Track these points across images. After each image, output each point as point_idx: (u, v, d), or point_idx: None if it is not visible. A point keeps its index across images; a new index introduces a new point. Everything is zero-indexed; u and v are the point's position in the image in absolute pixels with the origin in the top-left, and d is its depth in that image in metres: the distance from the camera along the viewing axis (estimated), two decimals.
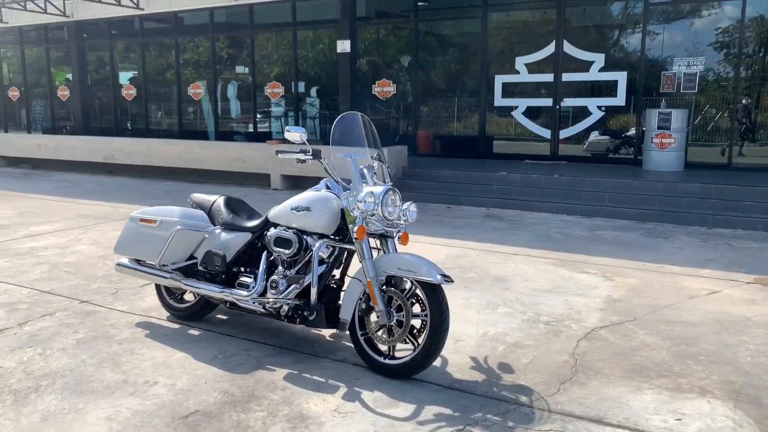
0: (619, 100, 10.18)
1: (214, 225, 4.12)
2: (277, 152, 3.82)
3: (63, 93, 16.57)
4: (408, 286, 3.51)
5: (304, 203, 3.75)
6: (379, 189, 3.54)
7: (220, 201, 4.22)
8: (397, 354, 3.48)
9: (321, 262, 3.69)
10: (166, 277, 4.09)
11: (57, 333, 4.07)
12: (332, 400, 3.17)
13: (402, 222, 3.68)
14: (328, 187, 3.86)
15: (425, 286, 3.35)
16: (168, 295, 4.37)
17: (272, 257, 3.87)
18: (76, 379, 3.39)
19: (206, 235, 4.07)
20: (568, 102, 10.63)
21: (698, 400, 3.19)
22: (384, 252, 3.67)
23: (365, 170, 3.82)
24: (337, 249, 3.70)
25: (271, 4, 12.95)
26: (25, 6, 14.70)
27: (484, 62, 11.20)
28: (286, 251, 3.72)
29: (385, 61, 12.56)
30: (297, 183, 11.00)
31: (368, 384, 3.36)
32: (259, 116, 13.74)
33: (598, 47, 10.37)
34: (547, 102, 10.75)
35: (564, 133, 10.76)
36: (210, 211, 4.19)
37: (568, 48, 10.41)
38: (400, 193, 3.67)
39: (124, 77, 15.69)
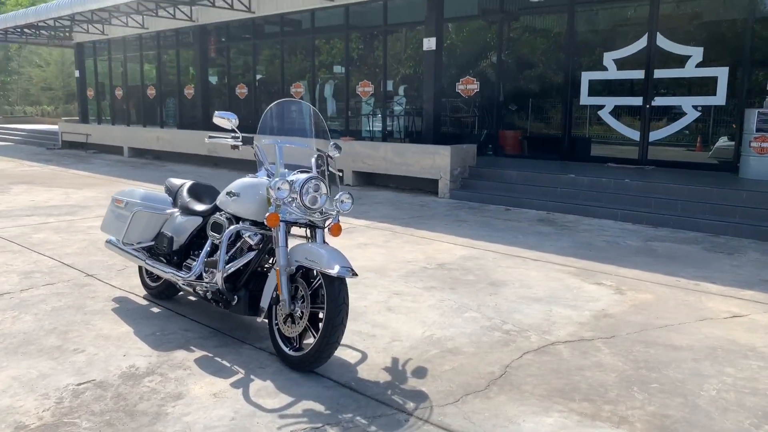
0: (719, 98, 9.07)
1: (176, 208, 4.29)
2: (209, 137, 3.88)
3: (189, 92, 18.08)
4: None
5: (236, 189, 3.79)
6: (301, 177, 3.49)
7: (185, 186, 4.39)
8: (303, 346, 3.41)
9: (250, 248, 3.71)
10: (133, 255, 4.34)
11: (43, 300, 4.48)
12: (220, 384, 3.19)
13: (332, 212, 3.60)
14: (270, 175, 3.85)
15: (325, 277, 3.24)
16: (146, 274, 4.62)
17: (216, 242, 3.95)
18: (21, 341, 3.71)
19: (166, 218, 4.25)
20: (660, 101, 9.66)
21: (606, 430, 2.78)
22: (310, 242, 3.61)
23: (314, 160, 3.79)
24: (266, 236, 3.69)
25: (365, 4, 13.16)
26: (156, 12, 16.27)
27: (570, 58, 10.53)
28: (218, 236, 3.78)
29: (469, 58, 12.25)
30: (370, 180, 11.09)
31: (267, 373, 3.33)
32: (350, 114, 14.04)
33: (696, 40, 9.31)
34: (637, 101, 9.86)
35: (654, 135, 9.80)
36: (175, 195, 4.37)
37: (662, 42, 9.47)
38: (326, 183, 3.58)
39: (237, 77, 16.79)
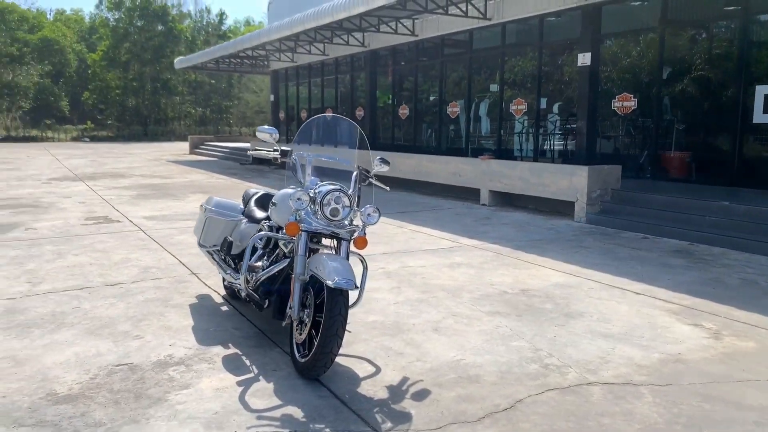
0: None
1: (243, 216, 4.64)
2: (250, 150, 4.13)
3: (359, 113, 19.15)
4: None
5: (276, 199, 4.01)
6: (324, 188, 3.60)
7: (255, 195, 4.72)
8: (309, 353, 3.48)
9: (284, 256, 3.89)
10: (209, 256, 4.78)
11: (142, 292, 5.11)
12: (228, 381, 3.39)
13: (357, 225, 3.65)
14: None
15: (327, 288, 3.29)
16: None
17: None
18: (102, 325, 4.28)
19: (234, 224, 4.62)
20: None
21: None
22: (335, 253, 3.69)
23: (354, 174, 3.90)
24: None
25: (521, 21, 12.91)
26: (332, 40, 17.56)
27: (742, 71, 9.26)
28: (261, 243, 4.03)
29: (626, 74, 11.34)
30: (508, 200, 10.79)
31: (275, 376, 3.46)
32: (503, 133, 13.79)
33: None
34: None
35: None
36: (246, 204, 4.72)
37: None
38: (350, 195, 3.64)
39: (400, 98, 17.40)
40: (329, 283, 3.24)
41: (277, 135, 3.95)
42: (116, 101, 49.01)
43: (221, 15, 60.31)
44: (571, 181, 9.11)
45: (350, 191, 3.76)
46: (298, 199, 3.54)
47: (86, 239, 7.33)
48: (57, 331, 4.11)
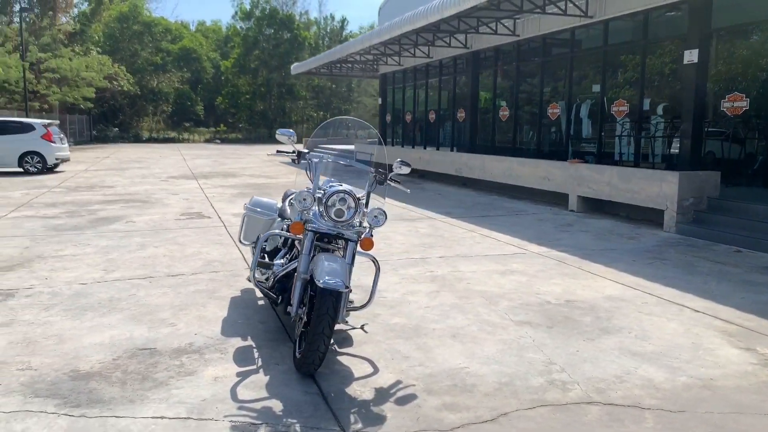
0: None
1: (277, 215, 4.82)
2: (277, 152, 4.27)
3: (461, 115, 19.01)
4: None
5: (293, 199, 4.12)
6: (331, 190, 3.68)
7: (292, 195, 4.88)
8: None
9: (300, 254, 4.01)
10: (252, 251, 5.02)
11: (196, 283, 5.47)
12: (230, 371, 3.56)
13: (364, 227, 3.70)
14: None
15: (318, 287, 3.35)
16: None
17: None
18: (146, 311, 4.65)
19: (270, 223, 4.81)
20: None
21: None
22: (342, 254, 3.76)
23: (372, 176, 3.96)
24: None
25: (624, 18, 12.20)
26: (433, 42, 17.59)
27: None
28: (267, 242, 4.17)
29: (738, 73, 10.33)
30: (599, 206, 10.24)
31: (275, 370, 3.58)
32: (603, 135, 13.08)
33: None
34: None
35: None
36: (283, 203, 4.90)
37: None
38: (355, 197, 3.69)
39: (501, 99, 17.06)
40: (319, 282, 3.31)
41: (295, 137, 4.07)
42: (246, 105, 52.28)
43: (343, 21, 62.23)
44: (660, 188, 8.48)
45: (362, 193, 3.81)
46: (304, 199, 3.64)
47: (172, 233, 7.94)
48: (106, 315, 4.53)
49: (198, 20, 74.27)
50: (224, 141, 49.53)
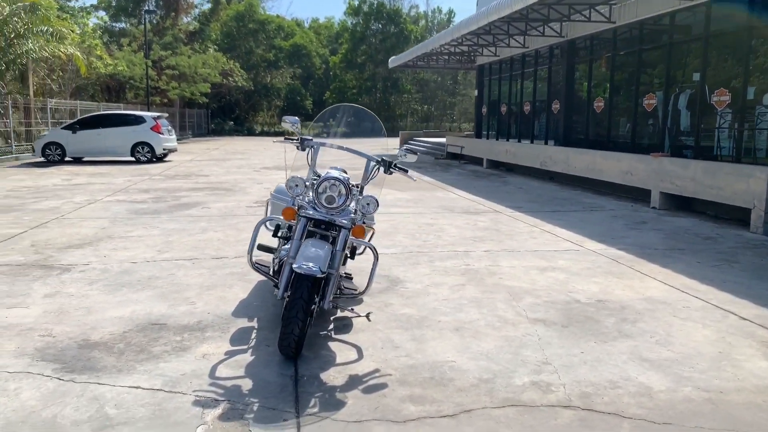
0: None
1: None
2: (285, 139, 4.33)
3: (555, 106, 18.28)
4: None
5: (287, 183, 4.18)
6: (323, 176, 3.71)
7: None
8: None
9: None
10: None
11: (235, 266, 5.70)
12: (221, 350, 3.68)
13: (356, 216, 3.71)
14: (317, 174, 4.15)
15: (295, 273, 3.39)
16: None
17: None
18: (175, 290, 4.91)
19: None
20: None
21: None
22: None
23: (372, 164, 3.96)
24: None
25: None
26: (526, 30, 17.05)
27: None
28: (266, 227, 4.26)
29: None
30: (684, 204, 9.49)
31: (263, 353, 3.66)
32: (702, 127, 12.07)
33: None
34: None
35: None
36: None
37: None
38: (348, 184, 3.69)
39: (596, 89, 16.20)
40: (294, 266, 3.34)
41: (299, 125, 4.12)
42: (352, 100, 53.42)
43: (450, 13, 61.68)
44: (747, 185, 7.71)
45: (358, 181, 3.80)
46: (296, 185, 3.69)
47: (236, 219, 8.32)
48: (138, 292, 4.84)
49: (312, 17, 76.77)
50: None
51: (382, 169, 4.06)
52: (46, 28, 18.47)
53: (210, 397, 3.04)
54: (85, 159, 18.60)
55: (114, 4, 41.51)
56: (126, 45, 33.12)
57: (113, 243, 6.68)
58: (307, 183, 3.76)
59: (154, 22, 38.58)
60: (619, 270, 5.72)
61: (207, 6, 47.65)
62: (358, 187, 4.02)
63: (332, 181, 3.68)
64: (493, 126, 24.02)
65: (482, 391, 3.17)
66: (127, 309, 4.41)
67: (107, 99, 32.05)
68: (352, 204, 3.76)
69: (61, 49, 19.16)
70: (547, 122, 18.95)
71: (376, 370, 3.41)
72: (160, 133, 18.49)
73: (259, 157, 21.31)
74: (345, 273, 4.33)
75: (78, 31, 24.72)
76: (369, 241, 5.07)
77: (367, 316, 4.18)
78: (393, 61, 26.96)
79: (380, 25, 52.92)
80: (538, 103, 19.80)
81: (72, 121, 19.20)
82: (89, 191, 11.33)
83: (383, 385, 3.22)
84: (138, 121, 18.50)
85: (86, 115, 19.87)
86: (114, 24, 42.03)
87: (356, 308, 4.35)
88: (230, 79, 41.55)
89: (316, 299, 3.61)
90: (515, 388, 3.20)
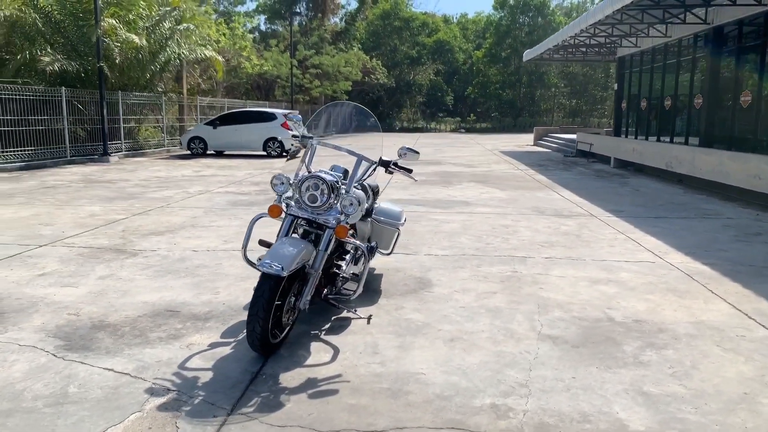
0: None
1: None
2: (292, 136, 4.33)
3: (698, 101, 16.54)
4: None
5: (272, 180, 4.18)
6: (306, 175, 3.70)
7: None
8: None
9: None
10: None
11: None
12: (208, 341, 3.81)
13: (339, 216, 3.67)
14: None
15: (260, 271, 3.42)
16: None
17: None
18: (208, 279, 5.16)
19: None
20: None
21: None
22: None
23: (363, 163, 3.92)
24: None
25: None
26: (663, 18, 15.58)
27: None
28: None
29: None
30: None
31: (243, 347, 3.72)
32: None
33: None
34: None
35: None
36: None
37: None
38: (332, 183, 3.64)
39: (742, 82, 14.36)
40: (258, 265, 3.36)
41: (300, 122, 4.11)
42: (494, 95, 52.52)
43: None
44: None
45: (346, 180, 3.74)
46: (280, 183, 3.71)
47: None
48: (178, 279, 5.16)
49: (461, 13, 76.35)
50: (470, 131, 50.51)
51: (381, 169, 3.95)
52: (190, 29, 20.25)
53: (164, 386, 3.16)
54: (225, 153, 20.15)
55: (269, 8, 44.51)
56: (274, 46, 35.36)
57: (191, 231, 7.17)
58: (293, 181, 3.75)
59: (302, 23, 40.75)
60: (686, 287, 5.05)
61: (353, 6, 49.38)
62: (359, 185, 3.93)
63: (315, 179, 3.64)
64: (632, 122, 22.31)
65: (432, 408, 2.96)
66: (158, 295, 4.71)
67: (257, 97, 34.48)
68: (338, 203, 3.70)
69: (205, 53, 20.93)
70: (688, 118, 17.20)
71: (338, 376, 3.33)
72: (288, 129, 19.48)
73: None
74: (352, 273, 4.27)
75: (227, 35, 26.85)
76: (394, 244, 4.98)
77: (368, 319, 4.10)
78: (527, 54, 26.03)
79: (527, 18, 51.35)
80: (681, 97, 18.04)
81: (213, 117, 20.90)
82: (207, 182, 12.26)
83: (334, 392, 3.13)
84: (270, 117, 19.66)
85: (226, 112, 21.53)
86: (269, 26, 45.11)
87: (365, 309, 4.29)
88: (372, 76, 42.73)
89: (292, 298, 3.60)
90: (469, 409, 2.96)
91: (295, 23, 40.86)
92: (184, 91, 23.23)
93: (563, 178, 14.00)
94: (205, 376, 3.30)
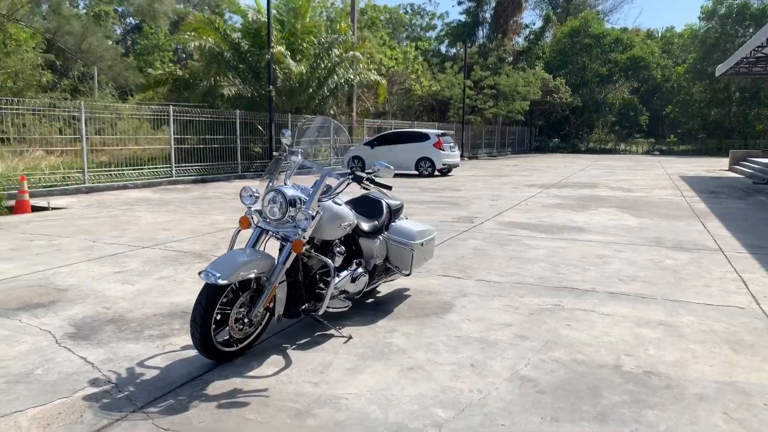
0: None
1: None
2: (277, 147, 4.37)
3: None
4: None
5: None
6: (268, 189, 3.80)
7: (355, 197, 4.91)
8: None
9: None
10: None
11: None
12: (185, 342, 4.03)
13: (296, 230, 3.71)
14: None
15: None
16: None
17: None
18: None
19: None
20: None
21: None
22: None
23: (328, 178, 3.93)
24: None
25: None
26: None
27: None
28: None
29: None
30: None
31: None
32: None
33: None
34: None
35: None
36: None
37: None
38: (287, 199, 3.69)
39: None
40: (199, 271, 3.50)
41: (290, 138, 4.15)
42: (697, 114, 47.59)
43: None
44: None
45: (305, 194, 3.76)
46: (249, 195, 3.83)
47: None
48: None
49: (666, 26, 70.52)
50: (666, 153, 46.26)
51: (351, 183, 3.91)
52: (356, 56, 21.46)
53: (108, 379, 3.43)
54: None
55: (453, 30, 45.37)
56: (449, 68, 35.89)
57: None
58: (260, 194, 3.84)
59: (481, 45, 40.77)
60: (756, 341, 4.15)
61: (538, 25, 48.26)
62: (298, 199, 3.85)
63: (274, 193, 3.70)
64: None
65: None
66: (190, 297, 5.07)
67: (431, 118, 35.25)
68: (298, 216, 3.70)
69: (370, 77, 22.01)
70: None
71: (264, 390, 3.32)
72: (441, 149, 19.66)
73: (542, 175, 20.77)
74: (342, 290, 4.22)
75: (399, 59, 27.93)
76: (412, 263, 4.79)
77: (348, 338, 4.05)
78: (719, 69, 23.18)
79: (740, 29, 45.76)
80: None
81: (372, 137, 21.83)
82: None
83: (244, 404, 3.14)
84: (423, 137, 20.01)
85: (382, 133, 22.36)
86: (448, 49, 45.93)
87: (359, 329, 4.24)
88: (554, 95, 41.26)
89: (243, 309, 3.66)
90: None
91: (473, 46, 41.10)
92: (354, 113, 24.60)
93: (726, 207, 12.21)
94: (149, 374, 3.50)
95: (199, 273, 3.50)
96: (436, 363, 3.70)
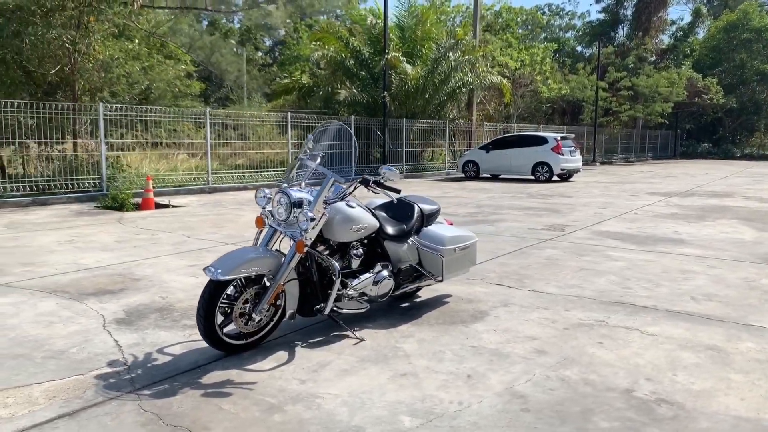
0: None
1: None
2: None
3: None
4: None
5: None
6: (278, 191, 3.95)
7: (381, 202, 4.92)
8: None
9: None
10: None
11: None
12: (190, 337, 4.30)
13: (299, 230, 3.84)
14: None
15: None
16: None
17: None
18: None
19: None
20: None
21: None
22: None
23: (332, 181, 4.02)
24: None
25: None
26: None
27: None
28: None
29: None
30: None
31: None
32: None
33: None
34: None
35: None
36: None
37: None
38: (291, 199, 3.82)
39: None
40: (204, 267, 3.72)
41: (311, 143, 4.26)
42: None
43: None
44: None
45: (311, 197, 3.86)
46: (263, 196, 4.01)
47: (499, 237, 8.32)
48: None
49: None
50: None
51: (360, 187, 3.93)
52: (473, 60, 21.23)
53: (124, 361, 3.75)
54: (500, 176, 20.49)
55: (591, 30, 43.23)
56: (581, 69, 34.23)
57: None
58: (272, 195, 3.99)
59: (619, 44, 38.35)
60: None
61: (686, 21, 44.50)
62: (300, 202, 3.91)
63: (281, 194, 3.83)
64: None
65: (277, 430, 2.90)
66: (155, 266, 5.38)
67: (562, 121, 33.88)
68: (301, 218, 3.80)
69: (492, 79, 21.66)
70: None
71: (252, 383, 3.45)
72: (560, 153, 18.87)
73: (671, 182, 19.19)
74: (360, 293, 4.27)
75: (526, 61, 27.19)
76: (443, 269, 4.70)
77: (360, 340, 4.10)
78: None
79: None
80: None
81: (487, 141, 21.45)
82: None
83: (226, 395, 3.30)
84: (541, 141, 19.32)
85: (498, 137, 21.87)
86: (583, 50, 43.74)
87: (378, 332, 4.28)
88: (704, 97, 37.86)
89: (246, 305, 3.82)
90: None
91: (609, 45, 38.86)
92: (473, 117, 24.35)
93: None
94: (161, 360, 3.78)
95: (204, 268, 3.72)
96: (433, 371, 3.62)
